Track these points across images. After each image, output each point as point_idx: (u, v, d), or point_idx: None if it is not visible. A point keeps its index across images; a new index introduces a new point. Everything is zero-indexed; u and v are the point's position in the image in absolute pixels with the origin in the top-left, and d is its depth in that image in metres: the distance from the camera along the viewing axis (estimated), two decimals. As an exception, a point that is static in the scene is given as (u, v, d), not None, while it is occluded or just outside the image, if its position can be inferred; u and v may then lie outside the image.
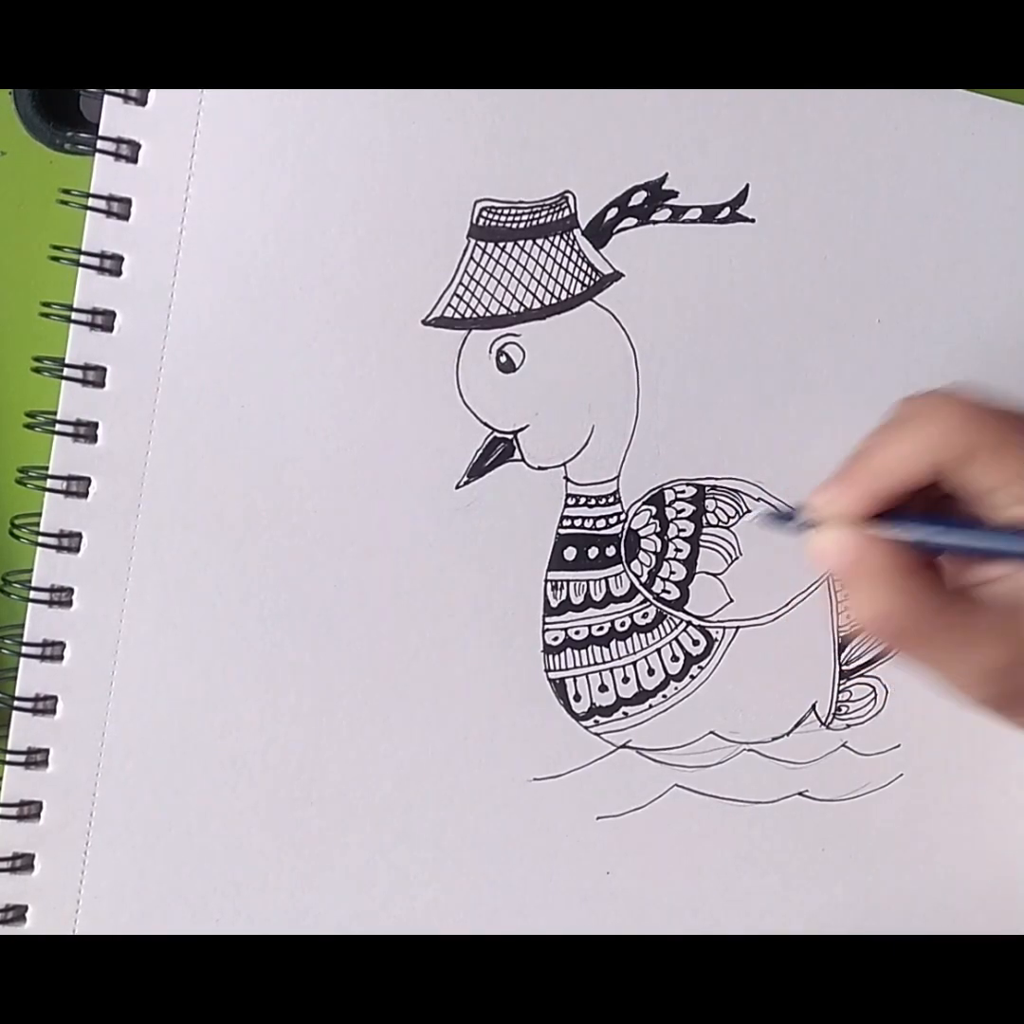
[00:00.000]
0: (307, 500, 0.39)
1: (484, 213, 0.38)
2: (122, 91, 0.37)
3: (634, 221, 0.39)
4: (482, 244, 0.39)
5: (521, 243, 0.39)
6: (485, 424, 0.39)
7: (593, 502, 0.40)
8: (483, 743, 0.40)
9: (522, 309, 0.39)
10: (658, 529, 0.40)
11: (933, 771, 0.42)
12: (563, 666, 0.40)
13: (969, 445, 0.34)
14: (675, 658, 0.41)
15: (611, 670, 0.40)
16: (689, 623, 0.41)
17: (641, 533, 0.40)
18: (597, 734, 0.41)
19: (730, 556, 0.41)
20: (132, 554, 0.38)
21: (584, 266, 0.39)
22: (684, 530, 0.40)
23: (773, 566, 0.41)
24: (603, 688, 0.40)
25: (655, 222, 0.39)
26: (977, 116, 0.41)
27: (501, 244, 0.39)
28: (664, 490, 0.40)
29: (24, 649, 0.38)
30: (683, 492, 0.40)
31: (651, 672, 0.41)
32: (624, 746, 0.41)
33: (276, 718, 0.39)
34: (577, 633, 0.40)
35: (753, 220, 0.40)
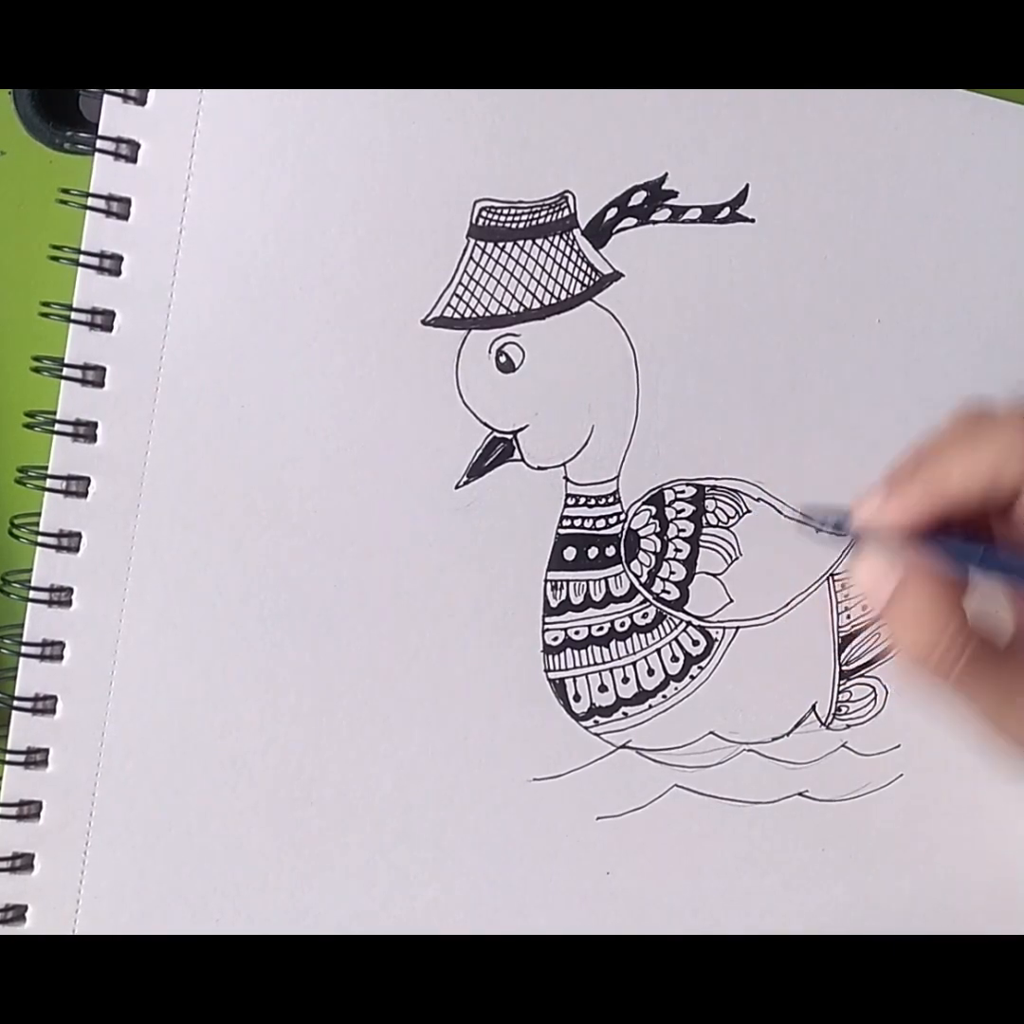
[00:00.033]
0: (307, 500, 0.39)
1: (484, 213, 0.38)
2: (122, 91, 0.37)
3: (634, 221, 0.39)
4: (482, 244, 0.39)
5: (521, 243, 0.39)
6: (485, 424, 0.39)
7: (593, 502, 0.40)
8: (483, 743, 0.40)
9: (522, 309, 0.39)
10: (658, 529, 0.40)
11: (933, 771, 0.42)
12: (563, 666, 0.40)
13: None
14: (675, 658, 0.41)
15: (611, 670, 0.40)
16: (689, 623, 0.41)
17: (641, 533, 0.40)
18: (597, 734, 0.41)
19: (730, 556, 0.41)
20: (132, 554, 0.38)
21: (584, 266, 0.39)
22: (684, 530, 0.40)
23: (773, 566, 0.41)
24: (603, 688, 0.40)
25: (655, 222, 0.39)
26: (977, 116, 0.41)
27: (501, 244, 0.39)
28: (664, 490, 0.40)
29: (24, 649, 0.38)
30: (683, 492, 0.40)
31: (651, 672, 0.41)
32: (624, 746, 0.41)
33: (276, 718, 0.39)
34: (577, 633, 0.40)
35: (753, 220, 0.40)
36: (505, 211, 0.39)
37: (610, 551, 0.40)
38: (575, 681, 0.40)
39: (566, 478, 0.40)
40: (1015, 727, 0.32)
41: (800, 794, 0.42)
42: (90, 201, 0.37)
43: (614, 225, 0.39)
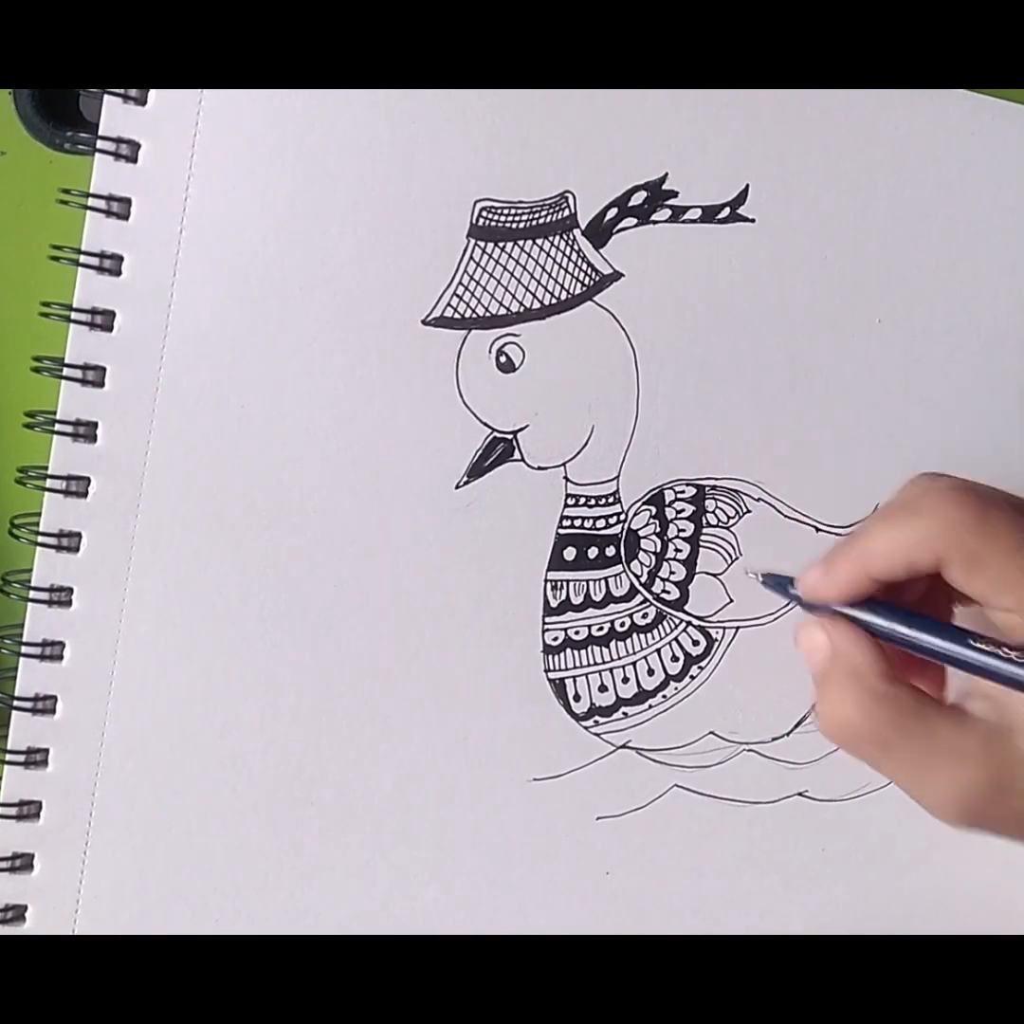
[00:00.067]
0: (307, 500, 0.39)
1: (484, 213, 0.38)
2: (122, 91, 0.37)
3: (634, 221, 0.39)
4: (482, 244, 0.39)
5: (521, 243, 0.39)
6: (485, 424, 0.39)
7: (593, 502, 0.40)
8: (483, 743, 0.40)
9: (522, 309, 0.39)
10: (658, 529, 0.40)
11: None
12: (563, 666, 0.40)
13: (968, 545, 0.32)
14: (675, 658, 0.41)
15: (611, 670, 0.40)
16: (689, 623, 0.41)
17: (641, 533, 0.40)
18: (597, 734, 0.41)
19: (730, 556, 0.41)
20: (132, 554, 0.38)
21: (584, 266, 0.39)
22: (684, 530, 0.40)
23: (773, 566, 0.41)
24: (603, 688, 0.40)
25: (655, 222, 0.39)
26: (977, 116, 0.41)
27: (501, 244, 0.39)
28: (664, 490, 0.40)
29: (24, 649, 0.38)
30: (683, 492, 0.40)
31: (651, 672, 0.41)
32: (624, 746, 0.41)
33: (276, 718, 0.39)
34: (577, 633, 0.40)
35: (753, 220, 0.40)
36: (505, 211, 0.39)
37: (610, 551, 0.40)
38: (575, 681, 0.40)
39: (566, 478, 0.40)
40: (931, 797, 0.33)
41: (800, 794, 0.42)
42: (90, 201, 0.37)
43: (614, 225, 0.39)
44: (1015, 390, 0.42)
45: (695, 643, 0.41)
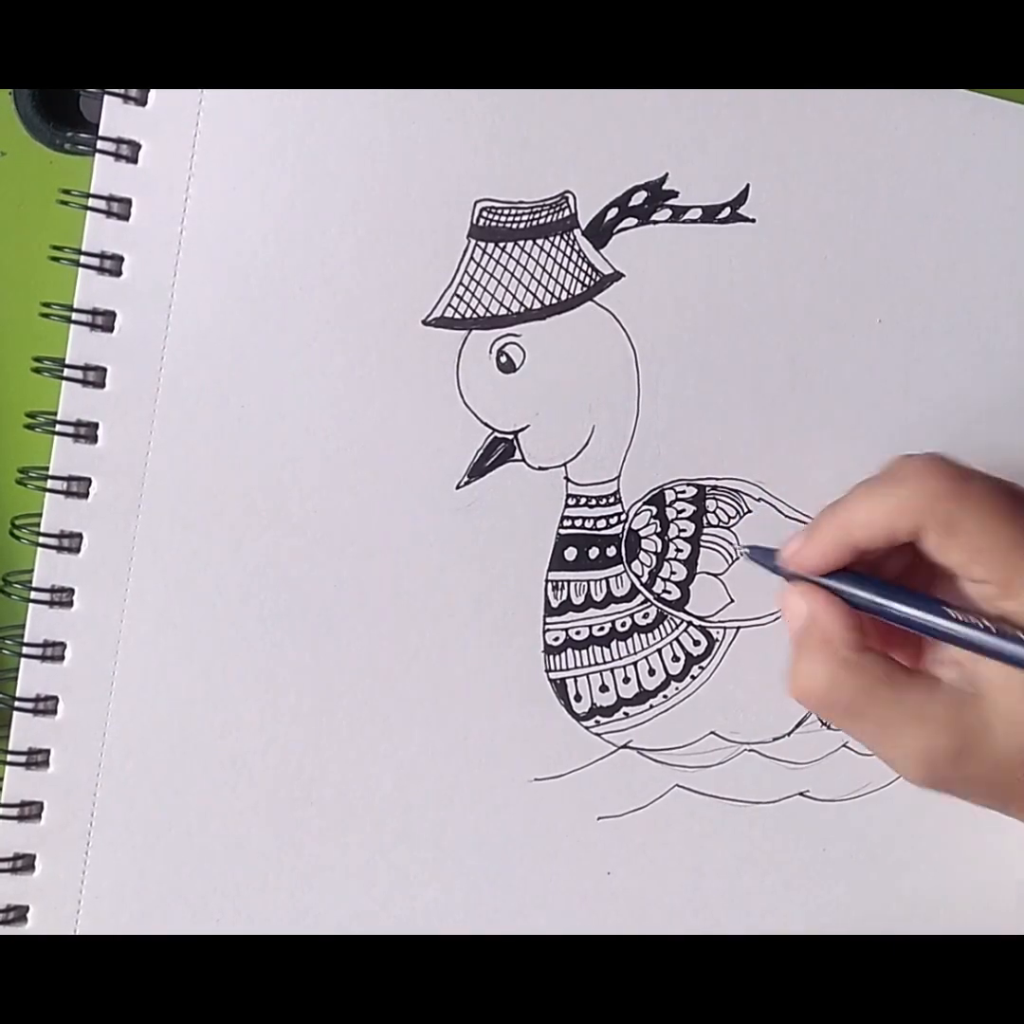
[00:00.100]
0: (307, 500, 0.39)
1: (484, 213, 0.38)
2: (122, 91, 0.37)
3: (634, 221, 0.39)
4: (482, 244, 0.39)
5: (521, 243, 0.39)
6: (485, 424, 0.39)
7: (593, 502, 0.40)
8: (483, 743, 0.40)
9: (522, 309, 0.39)
10: (659, 529, 0.40)
11: (934, 771, 0.42)
12: (564, 666, 0.40)
13: (945, 512, 0.34)
14: (676, 658, 0.41)
15: (612, 670, 0.40)
16: (690, 623, 0.41)
17: (642, 533, 0.40)
18: (598, 734, 0.41)
19: (731, 556, 0.41)
20: (132, 554, 0.38)
21: (584, 266, 0.39)
22: (685, 530, 0.40)
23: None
24: (604, 688, 0.40)
25: (655, 222, 0.39)
26: (977, 116, 0.41)
27: (501, 244, 0.39)
28: (664, 490, 0.40)
29: (25, 649, 0.38)
30: (683, 492, 0.40)
31: (652, 672, 0.41)
32: (625, 746, 0.41)
33: (276, 718, 0.39)
34: (578, 633, 0.40)
35: (753, 220, 0.40)
36: (505, 211, 0.39)
37: (611, 551, 0.40)
38: (576, 681, 0.40)
39: (567, 478, 0.40)
40: (898, 759, 0.35)
41: (801, 794, 0.42)
42: (90, 201, 0.37)
43: (614, 225, 0.39)
44: (1015, 390, 0.42)
45: (696, 643, 0.41)
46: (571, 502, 0.40)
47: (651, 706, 0.41)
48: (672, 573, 0.40)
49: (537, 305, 0.39)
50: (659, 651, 0.41)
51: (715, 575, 0.41)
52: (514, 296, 0.39)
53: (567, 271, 0.39)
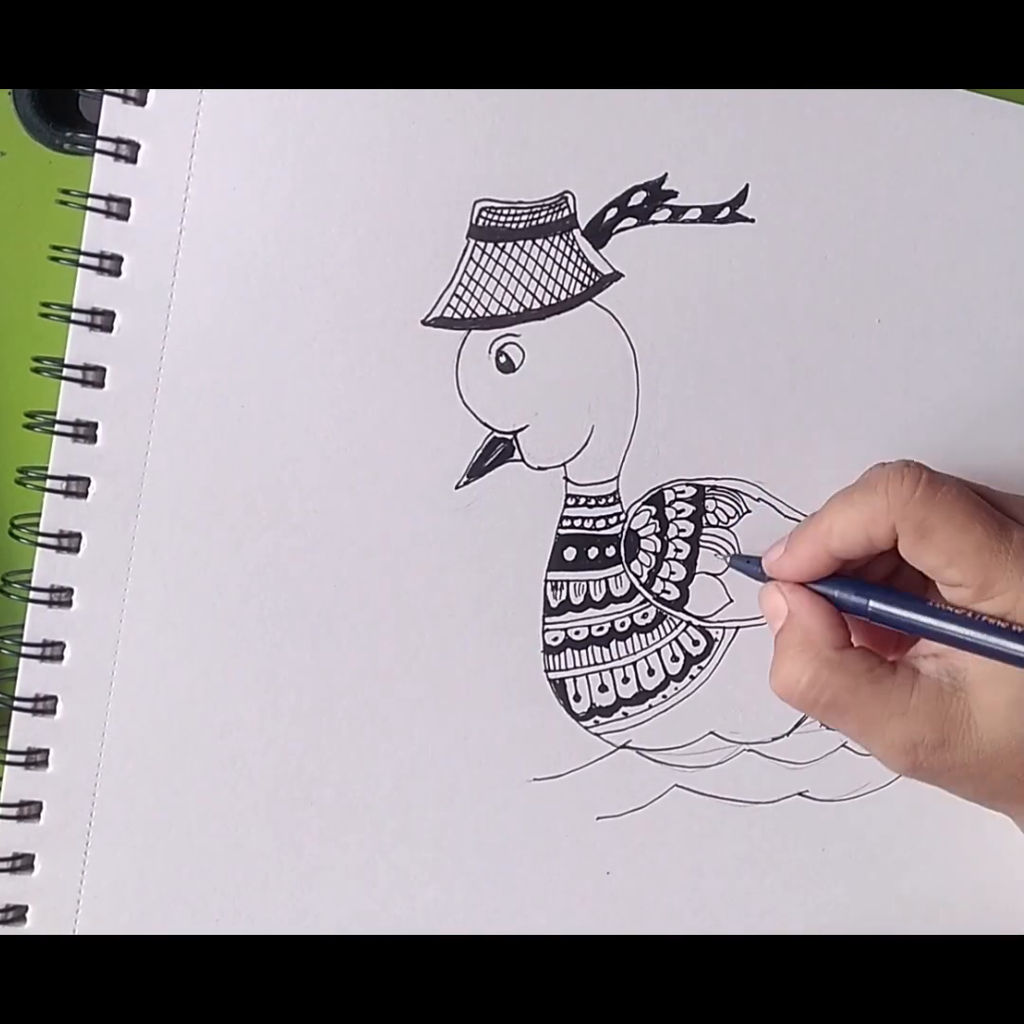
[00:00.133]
0: (307, 500, 0.39)
1: (484, 213, 0.38)
2: (122, 91, 0.37)
3: (634, 221, 0.39)
4: (482, 244, 0.38)
5: (521, 243, 0.39)
6: (485, 424, 0.39)
7: (593, 502, 0.40)
8: (483, 743, 0.40)
9: (522, 309, 0.39)
10: (658, 529, 0.40)
11: (933, 771, 0.42)
12: (563, 666, 0.40)
13: (919, 517, 0.35)
14: (675, 658, 0.41)
15: (611, 670, 0.40)
16: (689, 623, 0.41)
17: (641, 533, 0.40)
18: (597, 734, 0.41)
19: (729, 557, 0.41)
20: (132, 554, 0.38)
21: (584, 266, 0.39)
22: (684, 530, 0.40)
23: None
24: (603, 688, 0.40)
25: (655, 222, 0.39)
26: (977, 116, 0.41)
27: (501, 244, 0.39)
28: (664, 490, 0.40)
29: (24, 649, 0.38)
30: (683, 492, 0.40)
31: (651, 672, 0.41)
32: (624, 746, 0.41)
33: (276, 718, 0.39)
34: (577, 633, 0.40)
35: (753, 220, 0.40)
36: (505, 211, 0.39)
37: (610, 551, 0.40)
38: (575, 681, 0.40)
39: (566, 478, 0.40)
40: (881, 749, 0.36)
41: (800, 794, 0.42)
42: (90, 201, 0.37)
43: (614, 225, 0.39)
44: (1015, 390, 0.42)
45: (695, 643, 0.41)
46: (570, 502, 0.40)
47: (650, 706, 0.41)
48: (671, 573, 0.40)
49: (536, 305, 0.39)
50: (658, 651, 0.41)
51: (714, 575, 0.41)
52: (513, 296, 0.39)
53: (566, 271, 0.39)
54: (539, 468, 0.39)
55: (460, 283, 0.38)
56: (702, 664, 0.41)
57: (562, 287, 0.39)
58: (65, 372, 0.37)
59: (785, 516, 0.40)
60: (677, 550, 0.40)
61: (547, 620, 0.40)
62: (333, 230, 0.38)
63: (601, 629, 0.40)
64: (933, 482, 0.35)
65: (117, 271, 0.37)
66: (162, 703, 0.39)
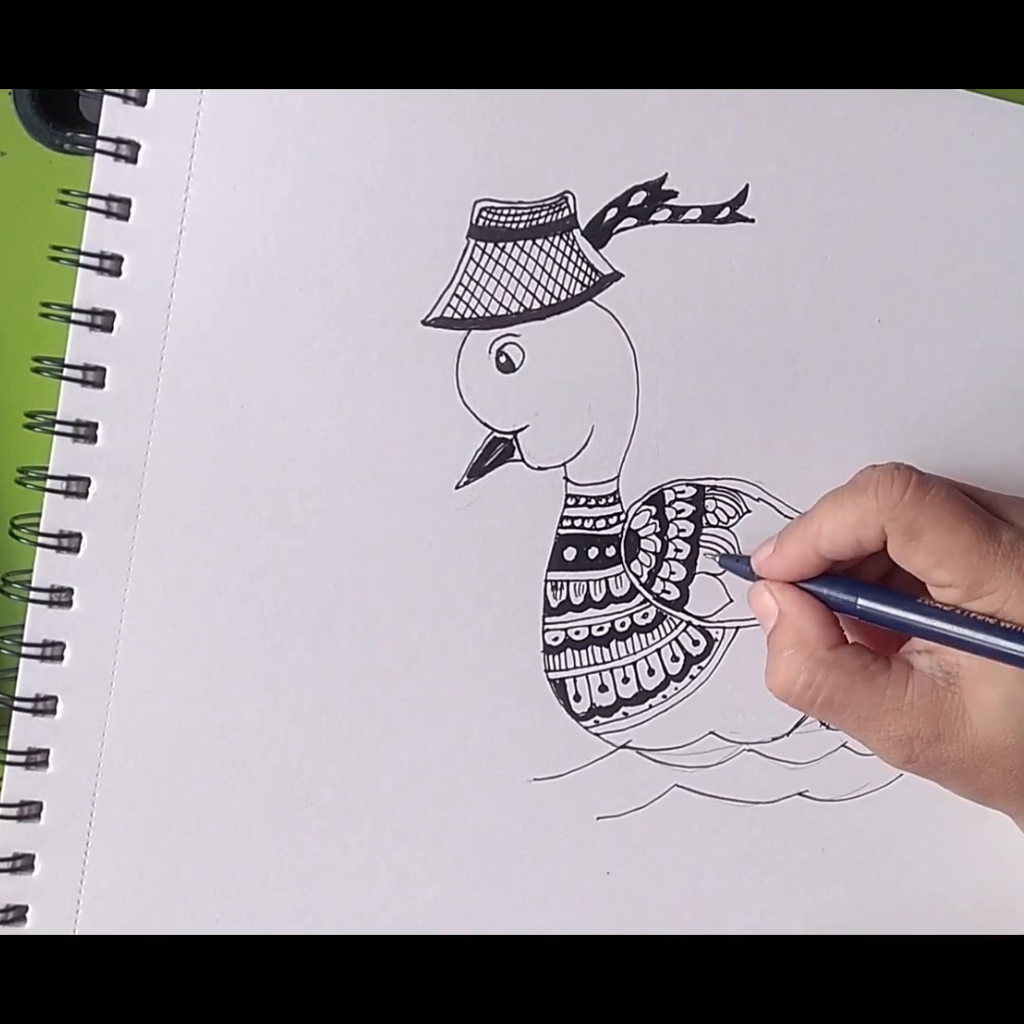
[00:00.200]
0: (307, 500, 0.39)
1: (484, 213, 0.38)
2: (122, 91, 0.37)
3: (634, 221, 0.39)
4: (482, 244, 0.39)
5: (521, 243, 0.39)
6: (485, 424, 0.39)
7: (593, 502, 0.40)
8: (483, 743, 0.40)
9: (522, 309, 0.39)
10: (658, 529, 0.40)
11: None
12: (563, 666, 0.40)
13: (907, 518, 0.35)
14: (675, 658, 0.41)
15: (611, 670, 0.40)
16: (689, 623, 0.41)
17: (641, 533, 0.40)
18: (597, 734, 0.41)
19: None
20: (132, 554, 0.38)
21: (584, 266, 0.39)
22: (684, 530, 0.40)
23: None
24: (603, 688, 0.40)
25: (655, 222, 0.39)
26: (977, 116, 0.41)
27: (501, 244, 0.39)
28: (664, 490, 0.40)
29: (24, 649, 0.38)
30: (683, 492, 0.40)
31: (651, 672, 0.41)
32: (624, 746, 0.41)
33: (276, 718, 0.39)
34: (577, 633, 0.40)
35: (753, 220, 0.40)
36: (505, 211, 0.39)
37: (610, 551, 0.40)
38: (575, 681, 0.40)
39: (566, 478, 0.40)
40: (877, 745, 0.36)
41: (800, 794, 0.42)
42: (90, 202, 0.37)
43: (614, 225, 0.39)
44: (1015, 390, 0.42)
45: (695, 643, 0.41)
46: (570, 502, 0.40)
47: (650, 706, 0.41)
48: (671, 573, 0.40)
49: (536, 305, 0.39)
50: (658, 651, 0.41)
51: (714, 575, 0.41)
52: (513, 296, 0.39)
53: (566, 271, 0.39)
54: (539, 468, 0.39)
55: (460, 283, 0.38)
56: (702, 664, 0.41)
57: (562, 287, 0.39)
58: (65, 372, 0.37)
59: (785, 516, 0.40)
60: (677, 550, 0.40)
61: (547, 620, 0.40)
62: (333, 230, 0.38)
63: (601, 629, 0.40)
64: (922, 484, 0.35)
65: (117, 271, 0.37)
66: (162, 703, 0.39)
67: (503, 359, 0.39)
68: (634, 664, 0.41)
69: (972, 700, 0.35)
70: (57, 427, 0.37)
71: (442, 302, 0.39)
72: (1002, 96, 0.41)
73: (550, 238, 0.39)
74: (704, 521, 0.40)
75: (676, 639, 0.41)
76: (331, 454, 0.39)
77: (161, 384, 0.38)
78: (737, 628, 0.41)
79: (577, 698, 0.40)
